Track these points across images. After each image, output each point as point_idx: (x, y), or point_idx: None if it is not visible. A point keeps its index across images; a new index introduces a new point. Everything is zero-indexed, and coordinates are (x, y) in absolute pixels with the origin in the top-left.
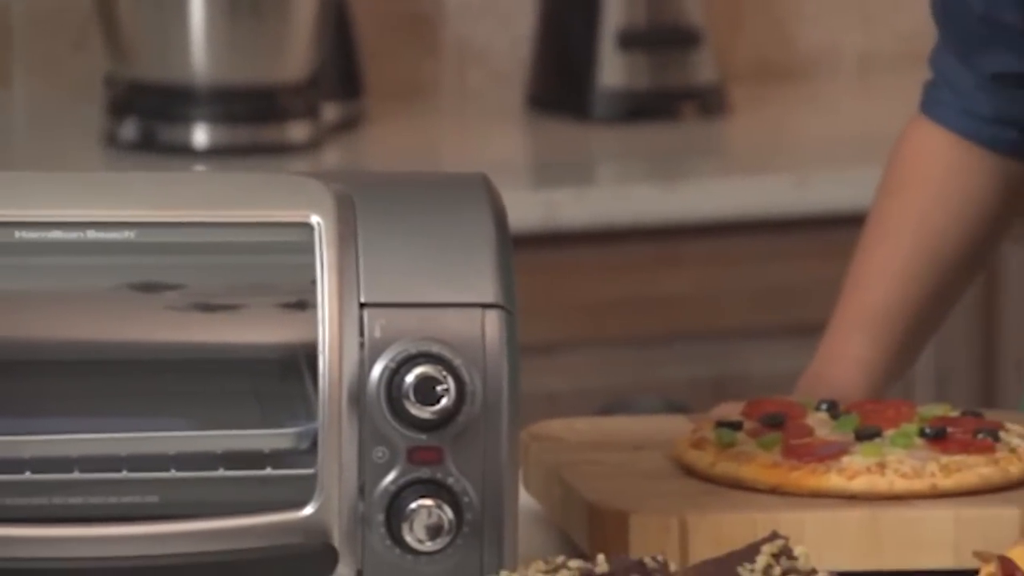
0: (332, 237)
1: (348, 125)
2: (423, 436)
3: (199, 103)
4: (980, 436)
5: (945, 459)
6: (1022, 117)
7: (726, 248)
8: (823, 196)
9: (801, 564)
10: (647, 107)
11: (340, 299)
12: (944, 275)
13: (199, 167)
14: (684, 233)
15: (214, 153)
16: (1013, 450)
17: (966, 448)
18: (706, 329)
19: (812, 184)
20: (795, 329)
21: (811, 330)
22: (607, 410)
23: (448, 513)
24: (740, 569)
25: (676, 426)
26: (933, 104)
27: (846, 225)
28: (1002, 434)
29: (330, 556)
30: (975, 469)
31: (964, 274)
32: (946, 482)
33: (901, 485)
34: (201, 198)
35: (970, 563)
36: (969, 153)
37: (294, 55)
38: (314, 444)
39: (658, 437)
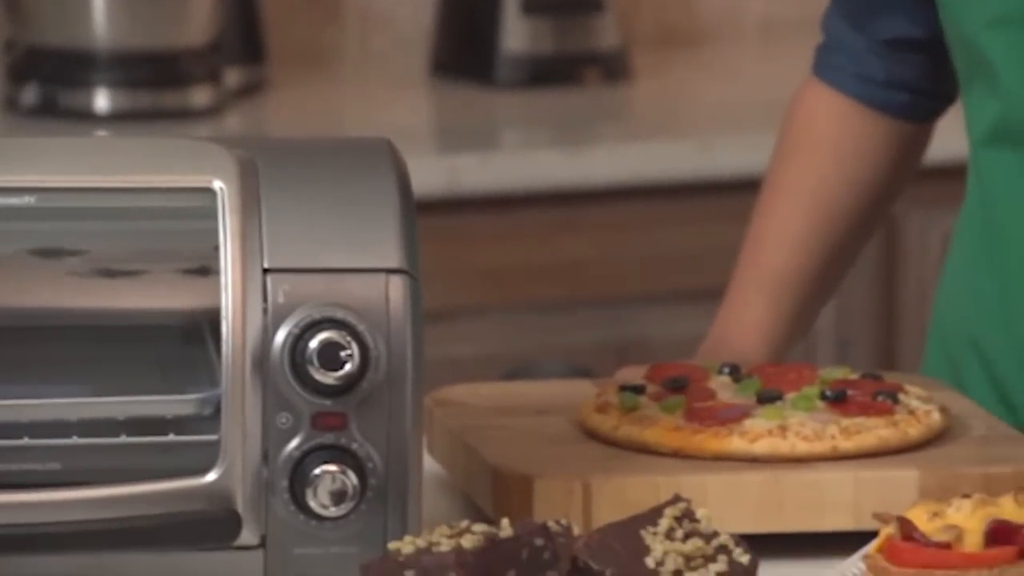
0: (235, 202)
1: (251, 90)
2: (327, 402)
3: (100, 68)
4: (880, 398)
5: (845, 422)
6: (914, 80)
7: (629, 213)
8: (726, 161)
9: (703, 526)
10: (550, 72)
11: (243, 265)
12: (841, 237)
13: (100, 132)
14: (587, 198)
15: (115, 118)
16: (912, 412)
17: (866, 410)
18: (609, 294)
19: (715, 149)
20: (698, 294)
21: (714, 294)
22: (511, 375)
23: (352, 479)
24: (643, 532)
25: (579, 390)
26: (826, 67)
27: (749, 190)
28: (901, 396)
29: (233, 522)
30: (875, 431)
31: (860, 235)
32: (846, 444)
33: (802, 448)
34: (103, 163)
35: (870, 524)
36: (862, 116)
37: (196, 20)
38: (217, 410)
39: (561, 402)
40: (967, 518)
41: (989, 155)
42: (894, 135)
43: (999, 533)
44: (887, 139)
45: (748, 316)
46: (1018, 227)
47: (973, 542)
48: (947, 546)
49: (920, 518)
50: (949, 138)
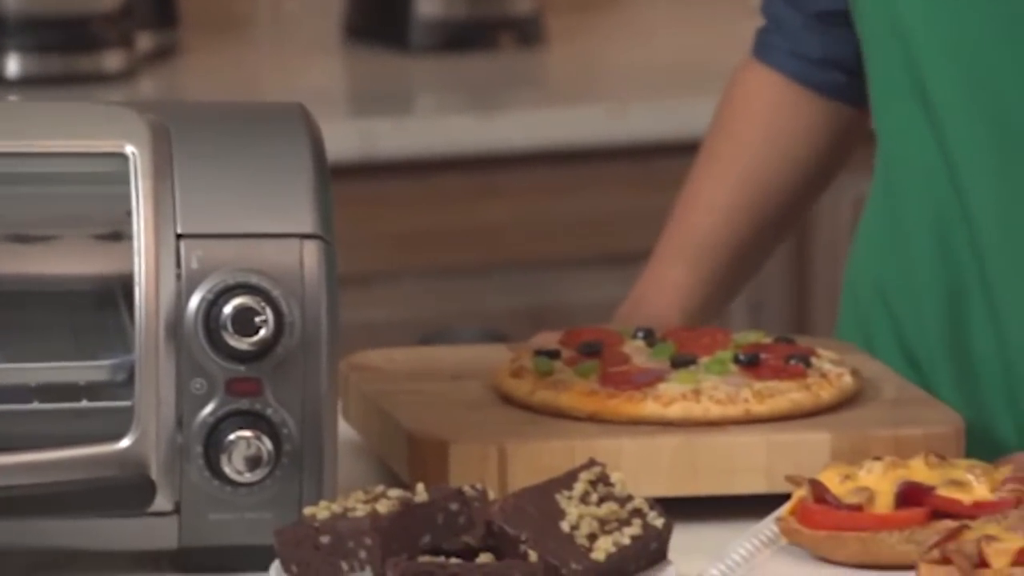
0: (147, 167)
1: (163, 55)
2: (241, 367)
3: (10, 32)
4: (792, 362)
5: (758, 385)
6: (849, 59)
7: (544, 178)
8: (640, 126)
9: (618, 490)
10: (465, 37)
11: (156, 230)
12: (769, 212)
13: (11, 97)
14: (502, 163)
15: (26, 83)
16: (824, 375)
17: (779, 374)
18: (524, 259)
19: (629, 114)
20: (612, 258)
21: (628, 259)
22: (426, 340)
23: (267, 444)
24: (558, 496)
25: (495, 355)
26: (764, 48)
27: (663, 154)
28: (814, 360)
29: (148, 488)
30: (787, 395)
31: (789, 213)
32: (759, 408)
33: (716, 411)
34: (13, 128)
35: (783, 487)
36: (798, 95)
37: None
38: (131, 376)
39: (477, 366)
40: (878, 480)
41: (885, 112)
42: (830, 116)
43: (909, 495)
44: (822, 119)
45: (667, 281)
46: (912, 184)
47: (884, 504)
48: (858, 508)
49: (832, 480)
50: None
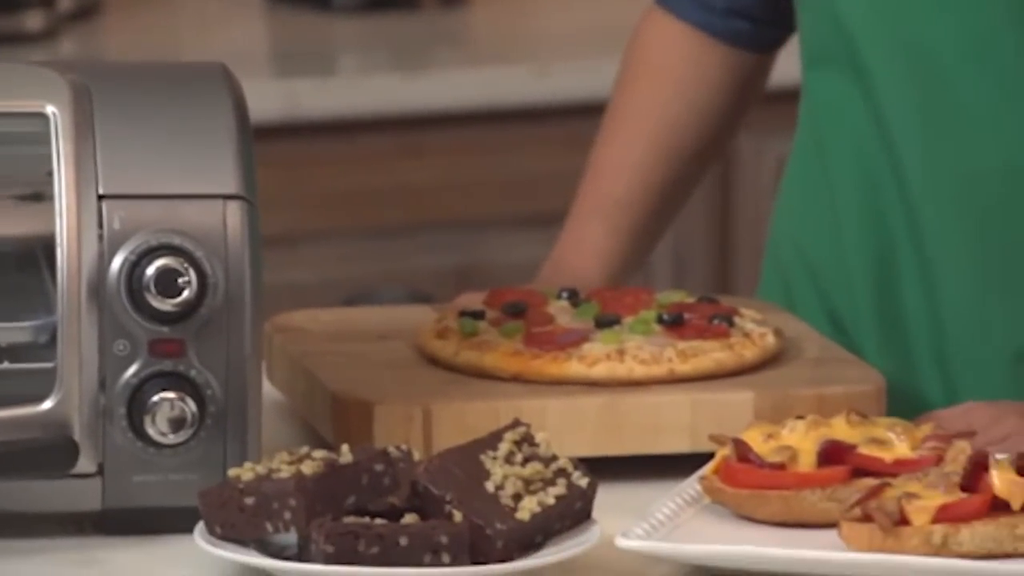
0: (68, 128)
1: (84, 14)
2: (165, 329)
3: None
4: (716, 322)
5: (682, 345)
6: (752, 7)
7: (468, 138)
8: (564, 86)
9: (542, 450)
10: None
11: (78, 191)
12: (681, 165)
13: None
14: (426, 123)
15: None
16: (747, 335)
17: (702, 334)
18: (449, 219)
19: (553, 74)
20: (537, 219)
21: (553, 220)
22: (351, 301)
23: (191, 406)
24: (483, 457)
25: (420, 316)
26: None
27: (587, 115)
28: (737, 319)
29: (71, 450)
30: (711, 354)
31: (700, 163)
32: (683, 367)
33: (640, 371)
34: None
35: (706, 446)
36: (703, 45)
37: None
38: (53, 338)
39: (402, 327)
40: (801, 439)
41: (816, 76)
42: (735, 64)
43: (831, 453)
44: (728, 68)
45: (587, 241)
46: (842, 148)
47: (807, 462)
48: (781, 467)
49: (755, 439)
50: (783, 63)
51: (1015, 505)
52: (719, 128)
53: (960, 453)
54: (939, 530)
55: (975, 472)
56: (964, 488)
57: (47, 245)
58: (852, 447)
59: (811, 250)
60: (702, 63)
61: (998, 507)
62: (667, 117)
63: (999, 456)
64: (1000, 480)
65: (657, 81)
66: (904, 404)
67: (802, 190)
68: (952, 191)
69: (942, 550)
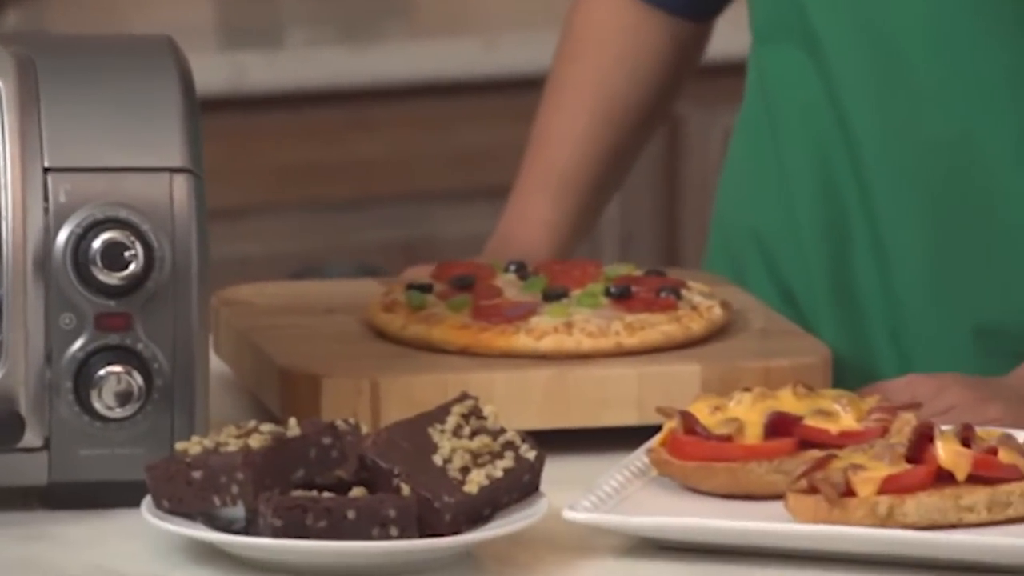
0: (13, 101)
1: None
2: (111, 302)
3: None
4: (663, 295)
5: (629, 318)
6: None
7: (416, 111)
8: (512, 59)
9: (490, 423)
10: None
11: (23, 164)
12: (623, 135)
13: None
14: (374, 97)
15: None
16: (694, 308)
17: (649, 307)
18: (397, 193)
19: (501, 47)
20: (485, 192)
21: (501, 193)
22: (299, 274)
23: (137, 379)
24: (431, 430)
25: (367, 289)
26: None
27: (535, 87)
28: (684, 292)
29: (16, 424)
30: (658, 327)
31: (643, 132)
32: (630, 340)
33: (587, 344)
34: None
35: (654, 419)
36: (642, 14)
37: None
38: None
39: (350, 301)
40: (747, 411)
41: (768, 51)
42: (674, 33)
43: (778, 425)
44: (667, 37)
45: (533, 214)
46: (795, 122)
47: (753, 434)
48: (728, 439)
49: (702, 412)
50: (728, 36)
51: (959, 476)
52: (660, 97)
53: (905, 425)
54: (884, 501)
55: (920, 443)
56: (909, 459)
57: None
58: (798, 419)
59: (763, 225)
60: (641, 32)
61: (943, 478)
62: (608, 87)
63: (944, 427)
64: (945, 451)
65: (597, 51)
66: (859, 378)
67: (752, 165)
68: (905, 163)
69: (887, 521)
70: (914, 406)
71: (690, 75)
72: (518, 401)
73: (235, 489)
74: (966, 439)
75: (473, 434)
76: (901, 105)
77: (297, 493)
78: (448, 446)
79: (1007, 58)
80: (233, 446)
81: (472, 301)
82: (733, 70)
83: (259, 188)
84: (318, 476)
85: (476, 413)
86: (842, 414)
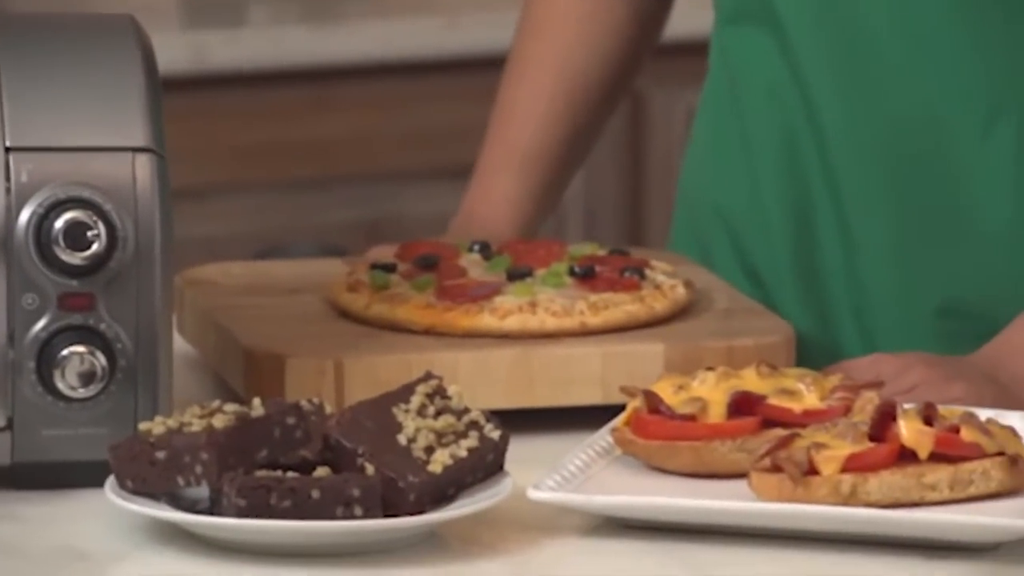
0: None
1: None
2: (74, 282)
3: None
4: (627, 274)
5: (594, 297)
6: None
7: (379, 91)
8: (473, 38)
9: (455, 403)
10: None
11: None
12: (586, 112)
13: None
14: (337, 76)
15: None
16: (658, 287)
17: (613, 286)
18: (360, 172)
19: (462, 26)
20: (448, 171)
21: (464, 172)
22: (263, 254)
23: (101, 359)
24: (395, 409)
25: (331, 269)
26: None
27: (497, 67)
28: (648, 272)
29: None
30: (622, 306)
31: (604, 110)
32: (594, 320)
33: (552, 323)
34: None
35: (618, 398)
36: None
37: None
38: None
39: (313, 280)
40: (711, 390)
41: (732, 32)
42: (635, 10)
43: (742, 404)
44: (628, 14)
45: (497, 193)
46: (759, 102)
47: (717, 413)
48: (691, 418)
49: (666, 391)
50: (690, 15)
51: (922, 454)
52: (621, 74)
53: (868, 403)
54: (847, 480)
55: (883, 422)
56: (872, 438)
57: None
58: (762, 398)
59: (728, 204)
60: (602, 10)
61: (905, 456)
62: (570, 65)
63: (906, 406)
64: (907, 430)
65: (559, 29)
66: (823, 357)
67: (717, 144)
68: (870, 143)
69: (850, 499)
70: (877, 385)
71: (650, 52)
72: (482, 381)
73: (199, 469)
74: (928, 418)
75: (437, 414)
76: (866, 85)
77: (261, 473)
78: (412, 426)
79: (971, 38)
80: (197, 426)
81: (436, 281)
82: (696, 48)
83: (222, 168)
84: (282, 456)
85: (440, 393)
86: (805, 393)
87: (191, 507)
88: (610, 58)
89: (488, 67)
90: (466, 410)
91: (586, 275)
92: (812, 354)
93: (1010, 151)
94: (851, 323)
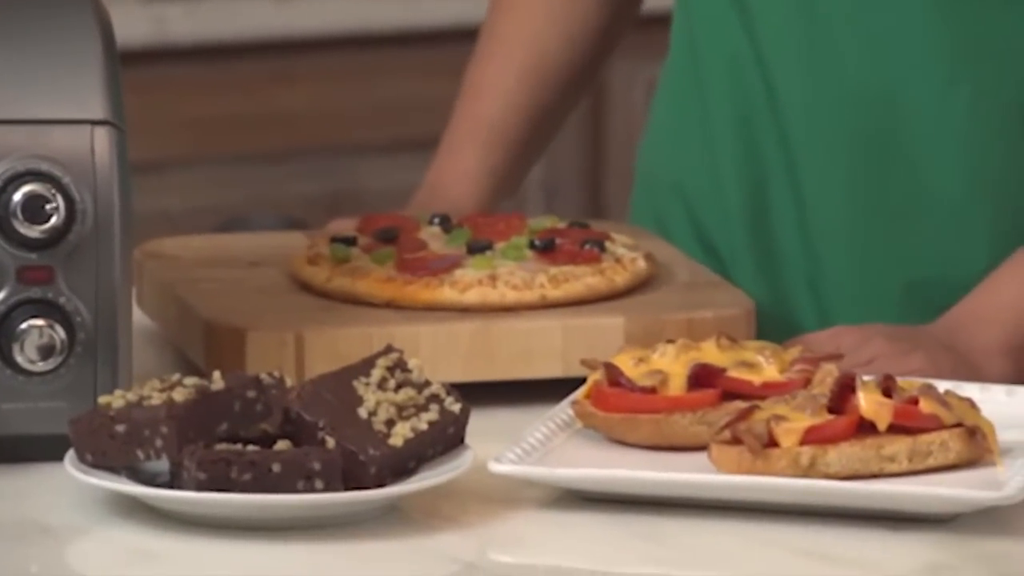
0: None
1: None
2: (32, 255)
3: None
4: (587, 247)
5: (554, 270)
6: None
7: (340, 64)
8: (435, 11)
9: (415, 376)
10: None
11: None
12: (554, 92)
13: None
14: (297, 48)
15: None
16: (618, 260)
17: (574, 259)
18: (321, 145)
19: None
20: (409, 144)
21: (425, 145)
22: (223, 227)
23: (60, 333)
24: (356, 383)
25: (292, 242)
26: None
27: (459, 40)
28: (608, 244)
29: None
30: (582, 279)
31: (573, 91)
32: (555, 293)
33: (512, 296)
34: None
35: (578, 371)
36: None
37: None
38: None
39: (274, 254)
40: (671, 363)
41: (696, 5)
42: None
43: (702, 376)
44: None
45: (460, 166)
46: (720, 77)
47: (677, 386)
48: (652, 391)
49: (626, 364)
50: None
51: (881, 426)
52: (592, 56)
53: (827, 375)
54: (807, 452)
55: (842, 394)
56: (831, 410)
57: None
58: (722, 370)
59: (686, 179)
60: None
61: (864, 428)
62: (539, 45)
63: (865, 378)
64: (866, 402)
65: (530, 8)
66: (780, 330)
67: (676, 119)
68: (828, 119)
69: (810, 471)
70: (836, 357)
71: (622, 38)
72: (443, 354)
73: (159, 443)
74: (887, 390)
75: (398, 387)
76: (825, 62)
77: (222, 447)
78: (373, 399)
79: (931, 16)
80: (157, 400)
81: (396, 254)
82: (657, 23)
83: (182, 141)
84: (243, 430)
85: (401, 366)
86: (765, 365)
87: (151, 481)
88: (579, 42)
89: (450, 41)
90: (427, 383)
91: (546, 248)
92: (769, 327)
93: (965, 123)
94: (807, 297)
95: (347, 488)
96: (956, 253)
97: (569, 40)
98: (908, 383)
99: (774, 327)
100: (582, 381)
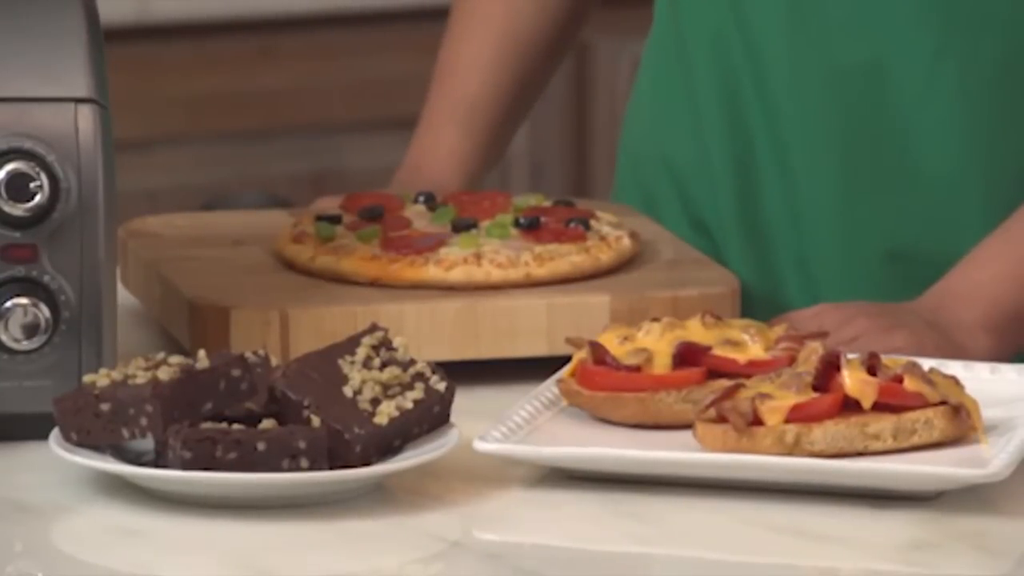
0: None
1: None
2: (16, 234)
3: None
4: (572, 225)
5: (539, 248)
6: None
7: (323, 42)
8: None
9: (400, 355)
10: None
11: None
12: (531, 63)
13: None
14: (281, 27)
15: None
16: (603, 238)
17: (558, 237)
18: (305, 124)
19: None
20: (393, 122)
21: (408, 123)
22: (208, 206)
23: (44, 311)
24: (341, 361)
25: (276, 221)
26: None
27: (440, 18)
28: (593, 223)
29: None
30: (567, 257)
31: (550, 61)
32: (540, 271)
33: (497, 275)
34: None
35: (563, 349)
36: None
37: None
38: None
39: (259, 232)
40: (656, 341)
41: None
42: None
43: (687, 355)
44: None
45: (442, 144)
46: (704, 51)
47: (662, 364)
48: (637, 369)
49: (611, 342)
50: None
51: (865, 404)
52: (566, 26)
53: (812, 353)
54: (791, 430)
55: (827, 372)
56: (816, 388)
57: None
58: (707, 349)
59: (673, 154)
60: None
61: (849, 406)
62: (514, 16)
63: (850, 356)
64: (851, 379)
65: None
66: (767, 308)
67: (661, 94)
68: (814, 91)
69: (795, 449)
70: (821, 335)
71: (596, 4)
72: (428, 332)
73: (144, 421)
74: (872, 367)
75: (383, 365)
76: (811, 33)
77: (207, 425)
78: (358, 377)
79: None
80: (142, 378)
81: (381, 232)
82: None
83: (165, 119)
84: (228, 408)
85: (386, 344)
86: (750, 344)
87: (136, 459)
88: (554, 11)
89: (433, 19)
90: (412, 362)
91: (531, 226)
92: (756, 305)
93: (953, 96)
94: (794, 273)
95: (332, 467)
96: (945, 228)
97: (543, 10)
98: (893, 361)
99: (762, 304)
100: (567, 359)
